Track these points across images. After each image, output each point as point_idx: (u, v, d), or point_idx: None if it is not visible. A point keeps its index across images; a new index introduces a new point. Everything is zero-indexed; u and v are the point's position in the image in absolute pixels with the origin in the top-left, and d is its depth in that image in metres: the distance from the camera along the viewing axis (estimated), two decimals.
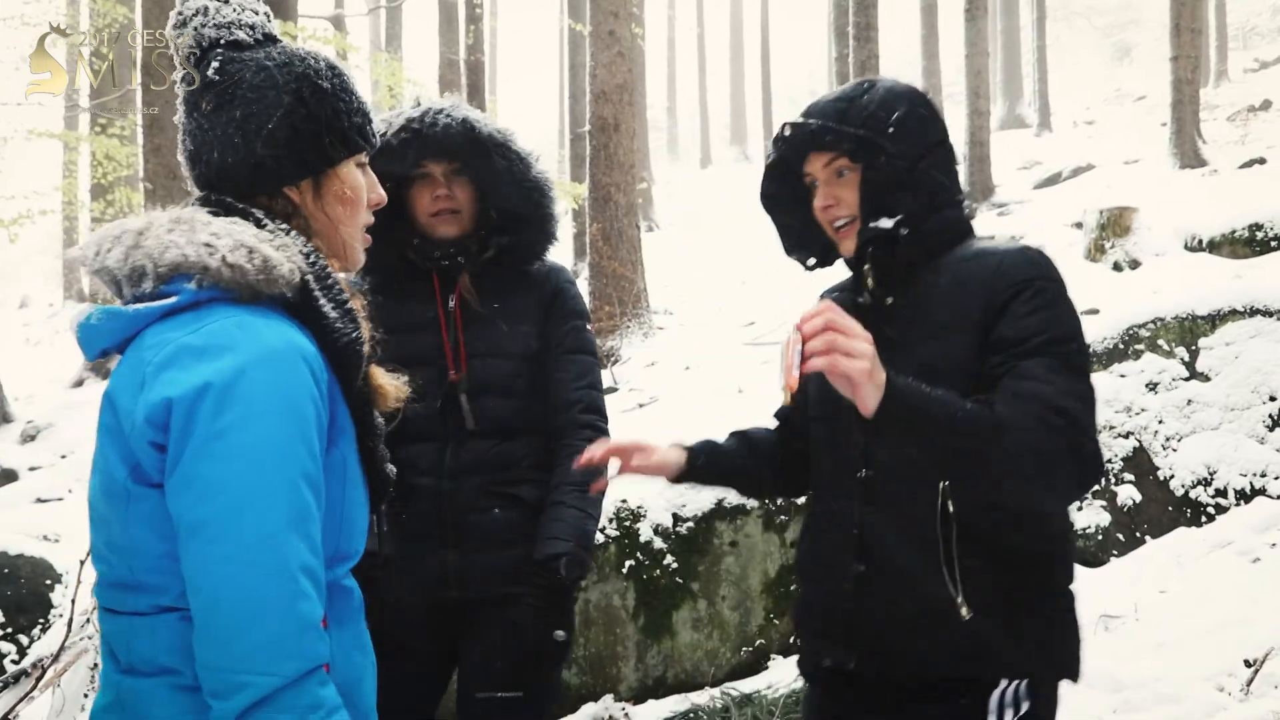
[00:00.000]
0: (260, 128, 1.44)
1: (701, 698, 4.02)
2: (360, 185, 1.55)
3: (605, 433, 2.48)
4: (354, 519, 1.46)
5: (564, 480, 2.41)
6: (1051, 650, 1.81)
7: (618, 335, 11.93)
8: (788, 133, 1.94)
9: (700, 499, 4.46)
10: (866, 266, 1.93)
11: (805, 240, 2.10)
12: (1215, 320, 5.40)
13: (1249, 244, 8.85)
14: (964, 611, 1.72)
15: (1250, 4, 38.35)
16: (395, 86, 16.63)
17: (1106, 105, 31.23)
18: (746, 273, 16.32)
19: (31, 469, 10.54)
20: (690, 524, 4.41)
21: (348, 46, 14.61)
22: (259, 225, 1.41)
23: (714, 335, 11.96)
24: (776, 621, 4.48)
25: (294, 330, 1.37)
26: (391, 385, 1.55)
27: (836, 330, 1.52)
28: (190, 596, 1.25)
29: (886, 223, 1.86)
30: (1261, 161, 16.34)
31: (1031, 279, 1.77)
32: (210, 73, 1.46)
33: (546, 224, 2.50)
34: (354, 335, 1.43)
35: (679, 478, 2.10)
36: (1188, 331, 5.40)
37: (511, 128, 2.47)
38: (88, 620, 4.04)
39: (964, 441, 1.59)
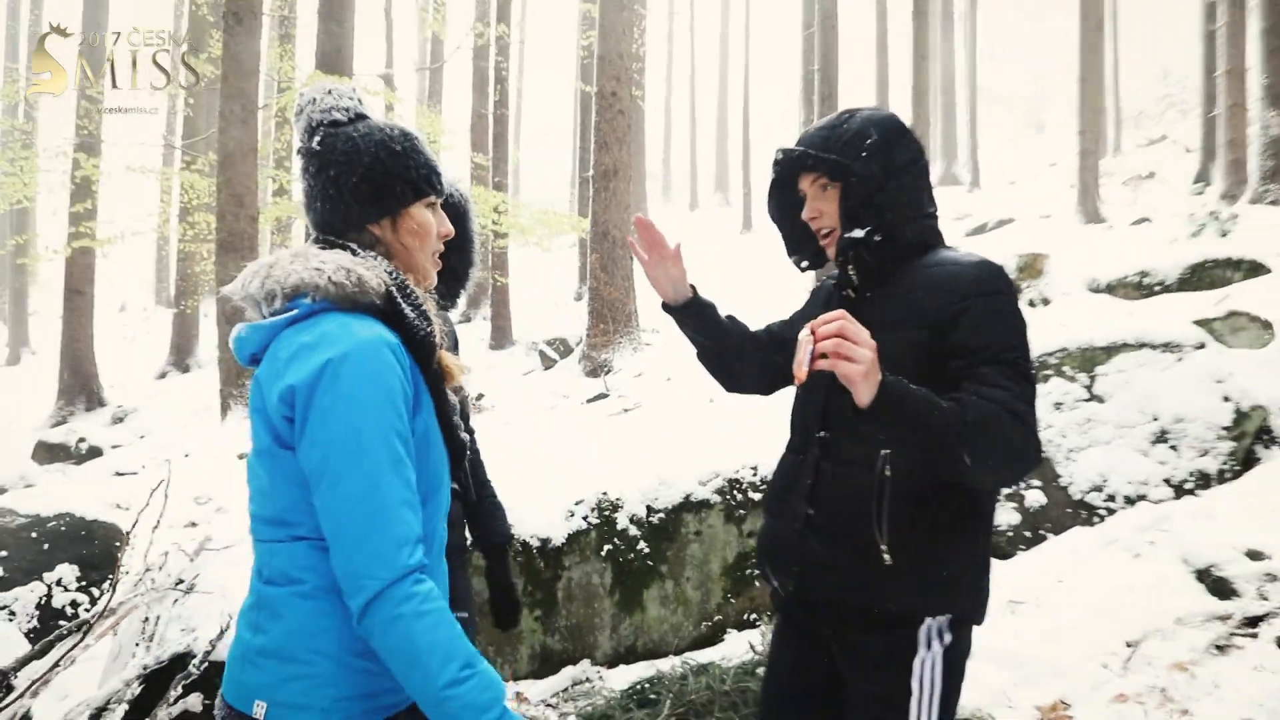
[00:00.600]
0: (348, 182, 1.60)
1: (665, 665, 3.88)
2: (427, 222, 1.66)
3: None
4: (441, 476, 1.59)
5: (487, 478, 2.69)
6: (959, 595, 1.81)
7: (610, 349, 11.81)
8: (780, 157, 1.99)
9: (671, 494, 4.33)
10: (850, 267, 1.93)
11: (801, 245, 2.12)
12: (1111, 351, 5.28)
13: (1138, 287, 8.77)
14: (886, 557, 1.74)
15: (1141, 90, 38.52)
16: (435, 137, 16.52)
17: (1026, 168, 31.21)
18: (724, 299, 16.24)
19: (114, 446, 10.39)
20: (661, 515, 4.28)
21: (394, 99, 14.53)
22: (354, 254, 1.57)
23: (693, 352, 11.85)
24: (733, 601, 4.35)
25: (382, 328, 1.51)
26: (456, 365, 1.66)
27: (846, 337, 1.55)
28: (324, 526, 1.42)
29: (858, 233, 1.87)
30: (1148, 220, 16.36)
31: (981, 293, 1.76)
32: (315, 145, 1.62)
33: (468, 282, 2.61)
34: (428, 330, 1.56)
35: (678, 305, 2.19)
36: (1088, 360, 5.27)
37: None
38: (140, 580, 3.90)
39: (941, 435, 1.59)
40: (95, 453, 10.03)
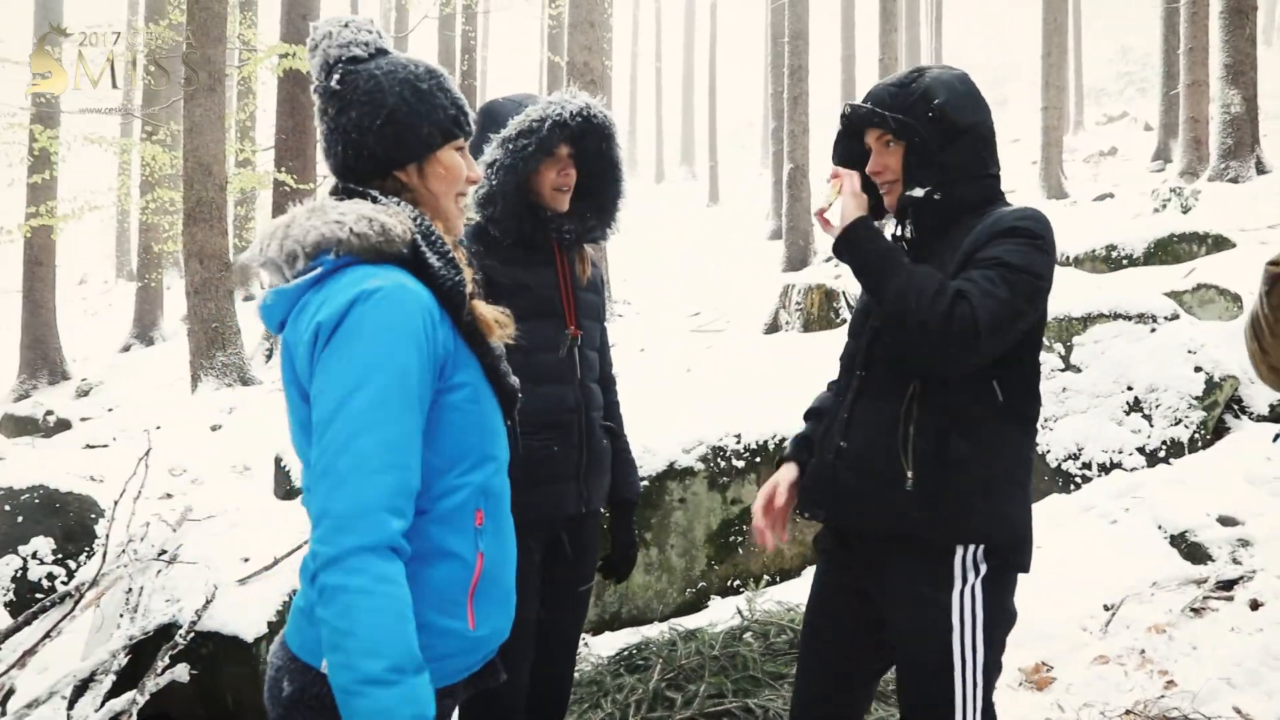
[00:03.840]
0: (371, 125, 1.48)
1: (651, 631, 3.88)
2: (455, 166, 1.56)
3: None
4: (492, 427, 1.52)
5: (623, 430, 2.56)
6: (985, 522, 1.85)
7: None
8: (848, 112, 2.02)
9: (655, 462, 4.31)
10: (908, 222, 2.01)
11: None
12: (1086, 321, 5.32)
13: (1106, 261, 8.86)
14: (909, 484, 1.82)
15: (1102, 69, 38.86)
16: None
17: None
18: (693, 271, 16.25)
19: (83, 419, 10.18)
20: (645, 483, 4.26)
21: None
22: (374, 202, 1.47)
23: (666, 323, 11.85)
24: (717, 568, 4.35)
25: (408, 277, 1.42)
26: (493, 315, 1.54)
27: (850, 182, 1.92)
28: (314, 464, 1.34)
29: (918, 192, 1.93)
30: (1111, 196, 16.51)
31: (1012, 228, 1.83)
32: (333, 84, 1.50)
33: (617, 213, 2.42)
34: (456, 279, 1.46)
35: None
36: (1064, 330, 5.31)
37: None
38: (123, 551, 3.83)
39: (875, 273, 1.82)
40: (64, 425, 9.80)
